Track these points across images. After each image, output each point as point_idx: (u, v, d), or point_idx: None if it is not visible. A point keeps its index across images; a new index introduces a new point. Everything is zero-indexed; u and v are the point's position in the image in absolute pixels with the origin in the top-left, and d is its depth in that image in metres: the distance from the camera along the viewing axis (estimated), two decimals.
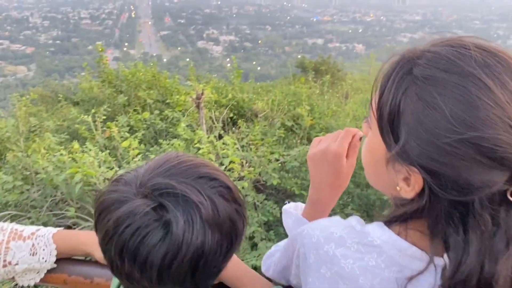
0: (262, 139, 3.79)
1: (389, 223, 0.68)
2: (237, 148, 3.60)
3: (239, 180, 3.45)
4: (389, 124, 0.62)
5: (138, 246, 0.68)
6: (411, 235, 0.65)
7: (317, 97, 5.00)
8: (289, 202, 1.02)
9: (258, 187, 3.91)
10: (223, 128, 4.31)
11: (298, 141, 4.21)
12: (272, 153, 3.71)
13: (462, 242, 0.58)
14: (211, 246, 0.70)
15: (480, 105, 0.56)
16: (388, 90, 0.63)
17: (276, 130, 3.98)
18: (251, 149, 3.68)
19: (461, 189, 0.57)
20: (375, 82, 0.66)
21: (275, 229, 3.97)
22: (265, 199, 3.92)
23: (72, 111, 5.06)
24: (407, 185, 0.63)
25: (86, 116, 4.06)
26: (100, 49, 5.56)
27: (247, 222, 0.77)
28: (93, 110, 4.26)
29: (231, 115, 4.45)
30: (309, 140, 4.26)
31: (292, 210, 0.97)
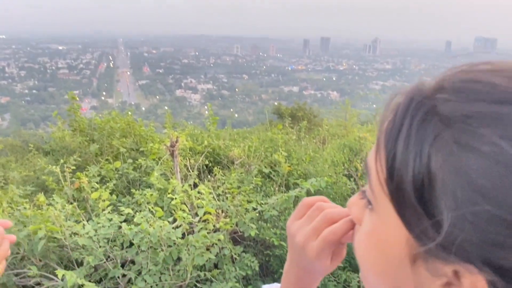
0: (239, 187, 3.68)
1: None
2: (213, 197, 3.47)
3: (214, 232, 3.30)
4: (417, 199, 0.39)
5: None
6: None
7: (294, 143, 4.96)
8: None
9: (235, 238, 3.74)
10: (198, 176, 4.18)
11: (276, 188, 4.11)
12: (249, 201, 3.59)
13: None
14: None
15: None
16: (404, 146, 0.40)
17: (253, 177, 3.88)
18: (227, 198, 3.55)
19: None
20: (377, 139, 0.44)
21: (254, 283, 3.84)
22: (243, 251, 3.75)
23: (40, 161, 4.87)
24: None
25: (54, 167, 3.89)
26: (72, 97, 5.46)
27: None
28: (62, 160, 4.09)
29: (207, 162, 4.34)
30: (287, 187, 4.18)
31: None
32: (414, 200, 0.39)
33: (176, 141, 3.88)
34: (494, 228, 0.36)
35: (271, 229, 3.81)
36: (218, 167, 4.18)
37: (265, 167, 4.29)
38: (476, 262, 0.37)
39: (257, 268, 3.65)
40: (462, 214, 0.36)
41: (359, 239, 0.50)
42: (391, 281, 0.47)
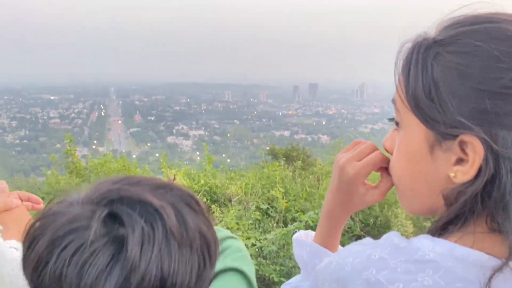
0: (237, 223, 3.69)
1: (440, 233, 0.56)
2: None
3: None
4: (430, 100, 0.55)
5: (81, 273, 0.49)
6: (472, 240, 0.54)
7: (290, 181, 5.02)
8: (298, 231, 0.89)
9: None
10: None
11: (275, 224, 4.12)
12: (248, 238, 3.59)
13: None
14: (178, 266, 0.52)
15: None
16: (414, 70, 0.57)
17: (251, 213, 3.89)
18: None
19: None
20: (397, 78, 0.61)
21: None
22: None
23: None
24: (462, 165, 0.54)
25: None
26: (70, 139, 5.52)
27: (218, 244, 0.61)
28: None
29: (204, 200, 4.36)
30: (285, 223, 4.18)
31: (304, 239, 0.83)
32: (426, 101, 0.55)
33: (174, 179, 3.92)
34: (480, 99, 0.51)
35: (271, 265, 3.78)
36: (216, 205, 4.19)
37: (263, 203, 4.32)
38: (474, 127, 0.51)
39: None
40: (458, 97, 0.53)
41: (393, 159, 0.65)
42: (419, 178, 0.60)
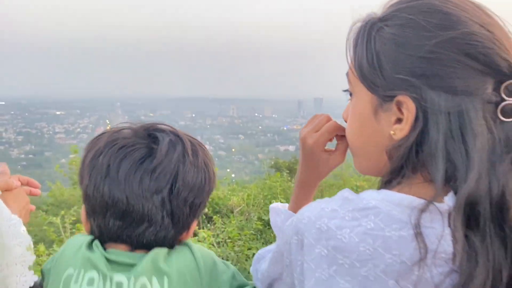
0: (239, 234, 3.69)
1: (385, 187, 0.64)
2: (212, 244, 3.47)
3: None
4: (372, 68, 0.65)
5: (121, 163, 0.78)
6: (409, 188, 0.61)
7: (292, 192, 5.02)
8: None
9: None
10: (198, 225, 4.20)
11: None
12: (249, 248, 3.58)
13: (465, 157, 0.57)
14: (187, 174, 0.80)
15: (449, 11, 0.60)
16: (361, 44, 0.67)
17: (253, 224, 3.90)
18: (227, 245, 3.55)
19: (451, 98, 0.59)
20: (347, 51, 0.70)
21: None
22: None
23: (38, 215, 4.86)
24: (400, 124, 0.63)
25: (54, 218, 3.90)
26: (75, 151, 5.56)
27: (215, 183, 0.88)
28: (62, 212, 4.11)
29: (206, 210, 4.37)
30: None
31: (280, 207, 0.93)
32: (369, 69, 0.65)
33: None
34: (411, 63, 0.61)
35: None
36: (218, 215, 4.20)
37: (265, 214, 4.32)
38: (407, 88, 0.61)
39: None
40: (393, 63, 0.62)
41: (347, 124, 0.75)
42: (367, 139, 0.69)
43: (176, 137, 0.83)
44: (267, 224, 4.25)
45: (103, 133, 0.85)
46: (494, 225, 0.55)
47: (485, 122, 0.58)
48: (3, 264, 0.79)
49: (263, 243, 4.01)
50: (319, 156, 0.87)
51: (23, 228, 0.83)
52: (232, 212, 4.36)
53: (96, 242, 0.83)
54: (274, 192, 4.57)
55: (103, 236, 0.83)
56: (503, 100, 0.59)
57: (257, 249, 3.66)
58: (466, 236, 0.55)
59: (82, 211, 0.88)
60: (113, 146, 0.80)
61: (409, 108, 0.61)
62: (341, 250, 0.59)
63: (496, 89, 0.60)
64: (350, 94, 0.74)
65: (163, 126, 0.85)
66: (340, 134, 0.86)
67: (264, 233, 4.12)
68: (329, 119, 0.86)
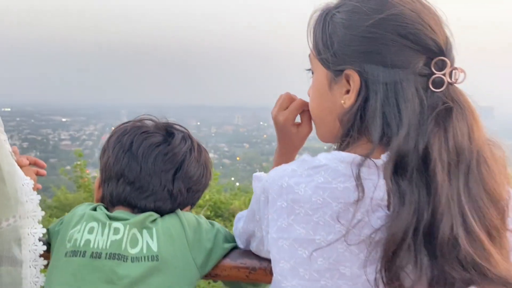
0: None
1: (338, 149, 0.77)
2: None
3: (215, 282, 3.29)
4: (326, 48, 0.78)
5: (142, 142, 0.99)
6: (356, 148, 0.74)
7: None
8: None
9: None
10: None
11: None
12: None
13: (397, 118, 0.69)
14: (191, 164, 1.01)
15: None
16: (318, 28, 0.80)
17: None
18: None
19: (388, 71, 0.70)
20: (308, 36, 0.83)
21: None
22: None
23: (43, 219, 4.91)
24: (348, 94, 0.75)
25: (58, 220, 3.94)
26: (79, 154, 5.64)
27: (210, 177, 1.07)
28: (66, 213, 4.15)
29: (208, 213, 4.41)
30: None
31: (261, 174, 1.03)
32: (324, 48, 0.78)
33: None
34: (354, 41, 0.74)
35: None
36: (220, 219, 4.24)
37: None
38: (352, 63, 0.74)
39: None
40: (341, 41, 0.75)
41: (310, 98, 0.87)
42: (325, 109, 0.81)
43: (187, 136, 1.04)
44: None
45: (128, 122, 1.07)
46: (419, 173, 0.65)
47: (416, 91, 0.70)
48: (17, 216, 0.90)
49: None
50: (290, 130, 1.00)
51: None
52: (233, 216, 4.41)
53: (100, 205, 1.00)
54: None
55: (113, 199, 1.00)
56: (433, 73, 0.71)
57: None
58: (396, 183, 0.65)
59: (96, 182, 1.08)
60: (137, 130, 1.01)
61: (355, 80, 0.74)
62: (298, 201, 0.70)
63: (427, 64, 0.71)
64: (312, 73, 0.86)
65: (178, 126, 1.06)
66: (304, 109, 0.99)
67: None
68: (290, 96, 1.00)
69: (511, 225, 0.69)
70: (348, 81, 0.75)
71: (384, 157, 0.69)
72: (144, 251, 0.92)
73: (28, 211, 0.94)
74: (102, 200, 1.05)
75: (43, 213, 0.99)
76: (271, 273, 0.90)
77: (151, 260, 0.91)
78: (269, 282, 0.92)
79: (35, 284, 0.97)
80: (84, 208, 1.01)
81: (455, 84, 0.72)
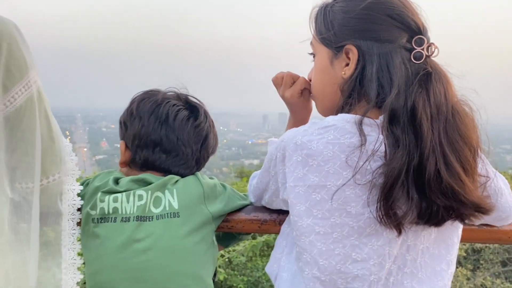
0: None
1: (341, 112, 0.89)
2: None
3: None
4: (328, 30, 0.93)
5: (176, 114, 1.10)
6: (357, 110, 0.87)
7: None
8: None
9: None
10: None
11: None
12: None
13: (389, 81, 0.84)
14: (211, 136, 1.16)
15: None
16: (320, 17, 0.96)
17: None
18: None
19: (380, 45, 0.86)
20: (310, 26, 0.99)
21: None
22: None
23: None
24: (348, 66, 0.89)
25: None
26: None
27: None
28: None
29: None
30: (254, 236, 4.07)
31: (275, 139, 1.13)
32: (326, 31, 0.94)
33: None
34: (351, 22, 0.90)
35: (239, 276, 3.90)
36: None
37: None
38: (351, 39, 0.90)
39: None
40: (341, 24, 0.92)
41: (312, 77, 1.03)
42: (327, 83, 0.96)
43: (206, 111, 1.17)
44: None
45: (151, 90, 1.16)
46: (409, 124, 0.79)
47: (402, 60, 0.85)
48: (61, 172, 0.98)
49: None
50: (298, 102, 1.15)
51: None
52: None
53: (120, 178, 1.09)
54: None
55: (147, 164, 1.10)
56: (414, 49, 0.86)
57: (224, 250, 3.65)
58: (392, 131, 0.80)
59: (122, 145, 1.14)
60: (169, 102, 1.11)
61: (354, 53, 0.88)
62: (311, 155, 0.83)
63: (409, 41, 0.86)
64: (314, 56, 1.00)
65: (196, 99, 1.18)
66: (305, 87, 1.13)
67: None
68: (292, 74, 1.14)
69: (481, 171, 0.85)
70: (347, 55, 0.89)
71: (381, 118, 0.82)
72: (167, 208, 1.02)
73: (69, 169, 1.01)
74: (130, 163, 1.13)
75: (79, 172, 1.05)
76: (279, 224, 1.05)
77: (173, 216, 1.02)
78: (277, 232, 1.03)
79: (72, 236, 1.03)
80: (105, 178, 1.08)
81: (431, 57, 0.87)
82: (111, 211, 1.03)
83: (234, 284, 3.87)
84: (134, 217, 1.02)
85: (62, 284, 1.01)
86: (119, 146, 1.13)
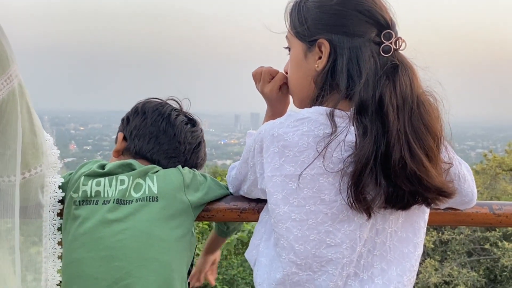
0: None
1: (314, 104, 0.92)
2: None
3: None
4: (301, 25, 0.96)
5: (177, 115, 1.20)
6: (329, 102, 0.92)
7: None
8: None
9: None
10: None
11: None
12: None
13: (358, 73, 0.88)
14: (202, 145, 1.24)
15: None
16: (295, 12, 0.99)
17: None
18: None
19: (350, 39, 0.90)
20: (285, 21, 1.02)
21: None
22: None
23: None
24: (321, 59, 0.93)
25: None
26: None
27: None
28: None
29: None
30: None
31: (253, 131, 1.18)
32: (300, 26, 0.97)
33: None
34: (324, 17, 0.94)
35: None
36: None
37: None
38: (323, 33, 0.93)
39: None
40: (314, 19, 0.95)
41: (289, 70, 1.06)
42: (301, 75, 0.99)
43: (200, 125, 1.24)
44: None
45: (155, 98, 1.25)
46: (376, 114, 0.84)
47: (371, 53, 0.89)
48: (43, 165, 0.99)
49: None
50: (276, 97, 1.16)
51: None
52: None
53: (106, 164, 1.13)
54: None
55: (140, 152, 1.17)
56: (383, 42, 0.90)
57: (199, 249, 3.42)
58: (361, 121, 0.85)
59: (120, 136, 1.21)
60: (171, 106, 1.22)
61: (326, 47, 0.92)
62: (287, 146, 0.87)
63: (378, 35, 0.91)
64: (289, 50, 1.04)
65: (193, 115, 1.25)
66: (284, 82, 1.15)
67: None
68: (270, 70, 1.15)
69: (445, 158, 0.90)
70: (320, 49, 0.93)
71: (352, 110, 0.86)
72: (146, 192, 1.06)
73: (51, 162, 1.04)
74: (124, 151, 1.19)
75: (61, 165, 1.07)
76: (258, 212, 1.08)
77: (152, 200, 1.06)
78: (256, 220, 1.06)
79: (53, 226, 1.05)
80: (89, 166, 1.13)
81: (399, 50, 0.91)
82: (93, 194, 1.06)
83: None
84: (114, 199, 1.05)
85: (42, 272, 1.03)
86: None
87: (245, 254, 1.05)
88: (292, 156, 0.87)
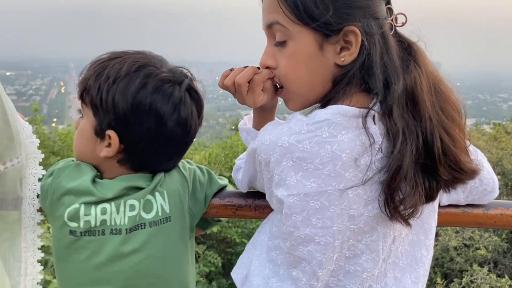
0: None
1: (325, 104, 0.77)
2: None
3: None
4: (320, 10, 0.75)
5: (174, 92, 0.96)
6: (349, 100, 0.75)
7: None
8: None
9: (199, 238, 3.88)
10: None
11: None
12: None
13: (393, 65, 0.76)
14: (198, 124, 1.03)
15: None
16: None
17: None
18: None
19: (377, 22, 0.76)
20: (279, 7, 0.77)
21: (217, 281, 3.97)
22: (206, 249, 3.89)
23: None
24: (347, 51, 0.76)
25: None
26: (35, 109, 5.41)
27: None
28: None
29: None
30: None
31: (245, 126, 1.02)
32: (318, 12, 0.75)
33: None
34: (349, 1, 0.75)
35: (233, 228, 4.04)
36: None
37: (226, 171, 4.49)
38: (352, 20, 0.75)
39: (220, 265, 3.89)
40: (336, 1, 0.75)
41: (286, 69, 0.81)
42: (314, 71, 0.79)
43: (199, 93, 1.03)
44: (228, 181, 4.71)
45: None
46: (407, 104, 0.74)
47: (392, 36, 0.78)
48: (22, 156, 0.94)
49: None
50: (265, 104, 0.93)
51: None
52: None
53: (98, 179, 0.96)
54: (235, 151, 4.68)
55: (144, 165, 0.98)
56: (391, 20, 0.79)
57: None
58: (394, 122, 0.72)
59: (114, 139, 0.93)
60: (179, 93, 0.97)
61: (357, 35, 0.75)
62: (305, 158, 0.70)
63: (387, 12, 0.78)
64: (281, 43, 0.81)
65: (183, 75, 1.01)
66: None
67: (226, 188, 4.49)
68: (246, 76, 0.89)
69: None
70: (345, 38, 0.76)
71: (377, 108, 0.74)
72: (160, 214, 0.96)
73: (30, 152, 0.97)
74: (122, 161, 0.97)
75: (42, 155, 1.00)
76: (254, 209, 1.01)
77: (165, 222, 0.97)
78: (253, 217, 1.01)
79: (33, 220, 0.99)
80: (73, 176, 0.95)
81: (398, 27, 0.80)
82: (98, 223, 0.94)
83: (229, 236, 3.99)
84: (125, 229, 0.95)
85: (22, 261, 1.00)
86: None
87: (231, 273, 0.97)
88: (313, 170, 0.71)
